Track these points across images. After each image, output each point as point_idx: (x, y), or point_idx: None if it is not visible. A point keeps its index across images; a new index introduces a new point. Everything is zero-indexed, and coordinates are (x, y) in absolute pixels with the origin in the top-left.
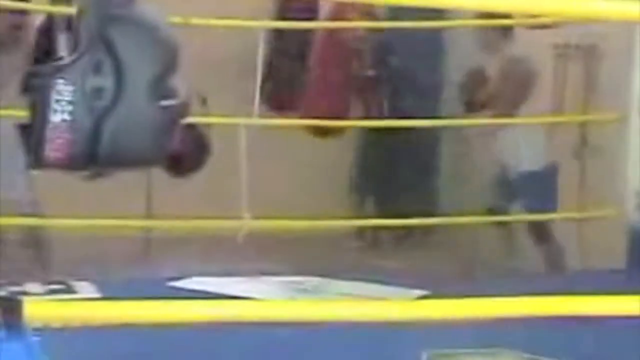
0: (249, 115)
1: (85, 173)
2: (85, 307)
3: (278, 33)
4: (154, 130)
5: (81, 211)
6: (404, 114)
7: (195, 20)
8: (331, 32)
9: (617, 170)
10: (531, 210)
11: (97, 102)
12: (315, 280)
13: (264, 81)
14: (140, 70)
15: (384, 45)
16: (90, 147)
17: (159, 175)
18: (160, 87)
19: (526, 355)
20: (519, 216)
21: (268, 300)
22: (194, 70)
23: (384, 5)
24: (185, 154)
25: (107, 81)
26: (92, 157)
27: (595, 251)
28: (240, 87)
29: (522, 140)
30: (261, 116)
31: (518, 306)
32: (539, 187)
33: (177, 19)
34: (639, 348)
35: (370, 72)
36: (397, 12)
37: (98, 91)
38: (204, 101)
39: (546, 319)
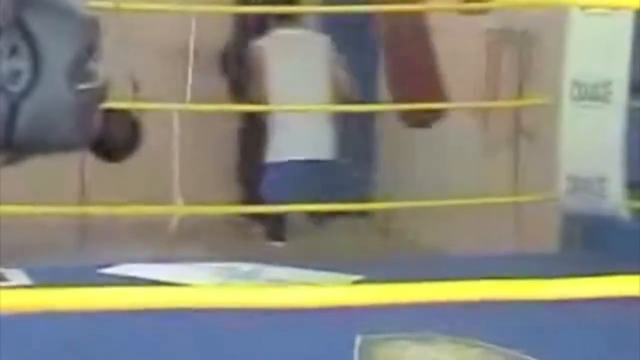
0: (182, 100)
1: (1, 158)
2: (13, 295)
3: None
4: (72, 114)
5: (13, 197)
6: None
7: (125, 5)
8: None
9: (551, 155)
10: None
11: (13, 86)
12: (248, 266)
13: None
14: (57, 53)
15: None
16: (7, 131)
17: (93, 160)
18: (78, 70)
19: (460, 340)
20: (462, 201)
21: (199, 285)
22: (129, 56)
23: None
24: (116, 140)
25: (23, 64)
26: (8, 141)
27: (528, 235)
28: (173, 73)
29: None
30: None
31: (451, 290)
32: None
33: (107, 4)
34: (572, 330)
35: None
36: None
37: (14, 74)
38: (135, 86)
39: (479, 303)
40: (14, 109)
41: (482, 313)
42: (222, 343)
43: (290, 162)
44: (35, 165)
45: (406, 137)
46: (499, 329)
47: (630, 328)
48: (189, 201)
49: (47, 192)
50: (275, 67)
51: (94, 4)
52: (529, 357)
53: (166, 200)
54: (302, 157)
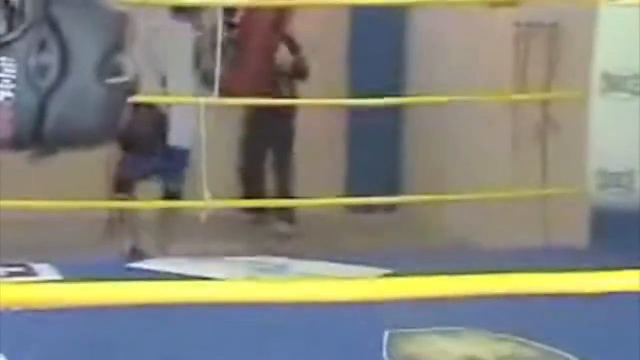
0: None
1: (31, 153)
2: (45, 290)
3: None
4: (100, 109)
5: (41, 194)
6: None
7: (152, 0)
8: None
9: (579, 148)
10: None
11: (41, 80)
12: (278, 260)
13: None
14: (86, 48)
15: None
16: (35, 126)
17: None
18: (107, 65)
19: (489, 334)
20: (471, 195)
21: (230, 281)
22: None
23: None
24: (144, 134)
25: (52, 58)
26: (38, 136)
27: (557, 228)
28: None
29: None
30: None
31: (481, 284)
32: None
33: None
34: (601, 323)
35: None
36: None
37: (43, 69)
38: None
39: (509, 297)
40: (42, 104)
41: (512, 306)
42: (252, 337)
43: None
44: (62, 161)
45: (433, 129)
46: (530, 322)
47: None
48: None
49: (74, 187)
50: None
51: None
52: (560, 351)
53: (195, 194)
54: None
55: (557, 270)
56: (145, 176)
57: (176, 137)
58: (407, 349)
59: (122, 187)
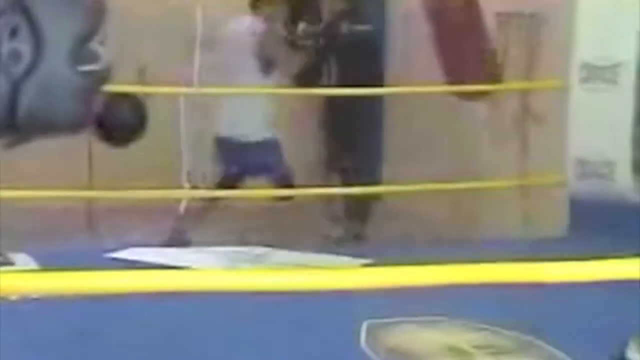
0: (188, 84)
1: (4, 140)
2: (20, 278)
3: None
4: (73, 96)
5: (20, 181)
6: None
7: None
8: None
9: (558, 138)
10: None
11: (14, 67)
12: (258, 250)
13: None
14: (59, 34)
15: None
16: (8, 112)
17: (100, 144)
18: (80, 52)
19: (469, 323)
20: (469, 184)
21: (207, 269)
22: (134, 40)
23: None
24: (122, 124)
25: (24, 45)
26: (11, 123)
27: (536, 218)
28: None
29: (243, 109)
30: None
31: (459, 273)
32: (263, 157)
33: None
34: (581, 312)
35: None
36: None
37: (15, 55)
38: (141, 71)
39: (489, 285)
40: (15, 91)
41: (490, 296)
42: (230, 326)
43: None
44: (44, 150)
45: (412, 119)
46: (507, 311)
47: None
48: None
49: (56, 176)
50: None
51: None
52: (536, 340)
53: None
54: None
55: (537, 259)
56: None
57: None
58: (386, 339)
59: None
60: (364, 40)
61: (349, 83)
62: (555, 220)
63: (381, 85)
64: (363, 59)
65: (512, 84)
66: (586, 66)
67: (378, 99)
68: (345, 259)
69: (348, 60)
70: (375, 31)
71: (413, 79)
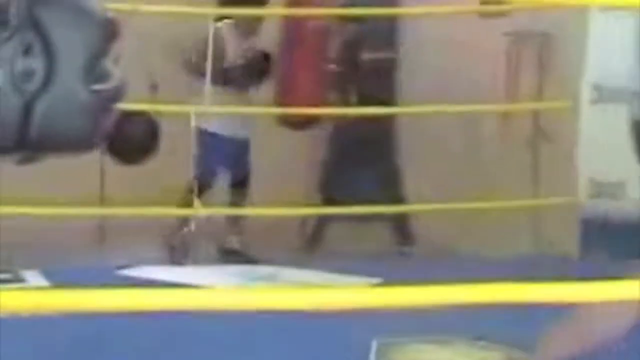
0: (200, 102)
1: (16, 157)
2: (32, 296)
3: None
4: (86, 114)
5: (33, 197)
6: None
7: (144, 7)
8: (292, 20)
9: (570, 158)
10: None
11: (27, 85)
12: (268, 268)
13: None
14: (72, 52)
15: (352, 37)
16: (20, 130)
17: (112, 161)
18: (93, 70)
19: (478, 343)
20: (479, 204)
21: (218, 288)
22: (146, 56)
23: None
24: (133, 142)
25: (37, 63)
26: (23, 140)
27: (548, 238)
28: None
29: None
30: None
31: (469, 293)
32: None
33: (125, 6)
34: None
35: (335, 65)
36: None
37: (28, 73)
38: (154, 87)
39: (499, 306)
40: (27, 109)
41: (501, 315)
42: (240, 344)
43: None
44: (55, 167)
45: (424, 138)
46: (518, 331)
47: None
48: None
49: (67, 193)
50: None
51: (111, 5)
52: None
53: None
54: None
55: (548, 279)
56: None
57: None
58: (395, 358)
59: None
60: (379, 69)
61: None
62: (566, 240)
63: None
64: (378, 87)
65: (522, 104)
66: (597, 87)
67: (391, 120)
68: (355, 278)
69: (364, 88)
70: (390, 59)
71: (425, 100)
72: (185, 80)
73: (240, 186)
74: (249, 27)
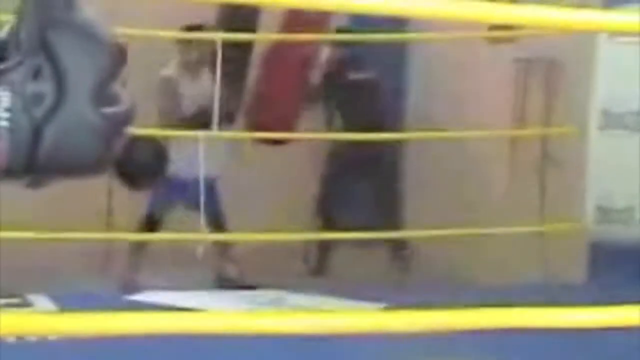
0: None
1: (25, 181)
2: (40, 321)
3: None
4: (95, 138)
5: (38, 222)
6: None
7: (152, 33)
8: (279, 44)
9: (578, 184)
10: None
11: (36, 109)
12: (272, 293)
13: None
14: (81, 76)
15: (343, 59)
16: (29, 154)
17: (119, 186)
18: (102, 94)
19: None
20: (478, 230)
21: (223, 311)
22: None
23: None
24: (143, 167)
25: (47, 87)
26: (32, 164)
27: (556, 264)
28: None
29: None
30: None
31: (478, 317)
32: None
33: (135, 31)
34: (601, 358)
35: (319, 85)
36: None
37: (38, 97)
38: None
39: (506, 331)
40: (37, 132)
41: (509, 341)
42: None
43: None
44: (63, 192)
45: (432, 164)
46: (526, 356)
47: None
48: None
49: (74, 218)
50: None
51: (121, 31)
52: None
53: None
54: None
55: (556, 304)
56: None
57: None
58: None
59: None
60: (364, 88)
61: (352, 130)
62: (574, 266)
63: (388, 129)
64: (364, 106)
65: (530, 129)
66: (605, 113)
67: (397, 144)
68: (363, 303)
69: (350, 108)
70: (375, 79)
71: (432, 123)
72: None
73: (214, 225)
74: (196, 69)
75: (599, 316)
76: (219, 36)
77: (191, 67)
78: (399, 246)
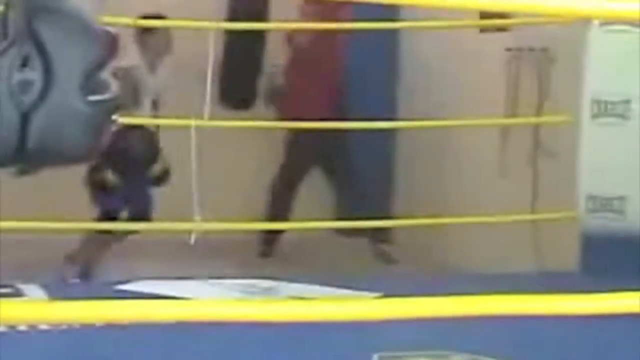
0: (200, 116)
1: (12, 170)
2: (31, 309)
3: (230, 33)
4: (83, 126)
5: (30, 212)
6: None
7: (142, 22)
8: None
9: (570, 173)
10: None
11: (24, 97)
12: (267, 282)
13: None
14: (69, 64)
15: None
16: (17, 142)
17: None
18: (90, 82)
19: (478, 357)
20: (476, 218)
21: (215, 299)
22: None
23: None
24: (134, 156)
25: (35, 74)
26: (19, 152)
27: (548, 253)
28: (194, 89)
29: None
30: (213, 117)
31: (471, 306)
32: None
33: (126, 20)
34: (592, 346)
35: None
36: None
37: (25, 85)
38: (154, 103)
39: (497, 320)
40: (25, 120)
41: (501, 329)
42: (238, 356)
43: None
44: (51, 181)
45: (424, 153)
46: (518, 345)
47: None
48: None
49: (64, 208)
50: None
51: (112, 19)
52: None
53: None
54: None
55: (548, 293)
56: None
57: None
58: None
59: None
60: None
61: None
62: (566, 255)
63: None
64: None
65: (522, 118)
66: (597, 101)
67: (390, 133)
68: (356, 292)
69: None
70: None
71: (423, 112)
72: (185, 94)
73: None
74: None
75: (592, 304)
76: (214, 26)
77: (149, 58)
78: (378, 238)
